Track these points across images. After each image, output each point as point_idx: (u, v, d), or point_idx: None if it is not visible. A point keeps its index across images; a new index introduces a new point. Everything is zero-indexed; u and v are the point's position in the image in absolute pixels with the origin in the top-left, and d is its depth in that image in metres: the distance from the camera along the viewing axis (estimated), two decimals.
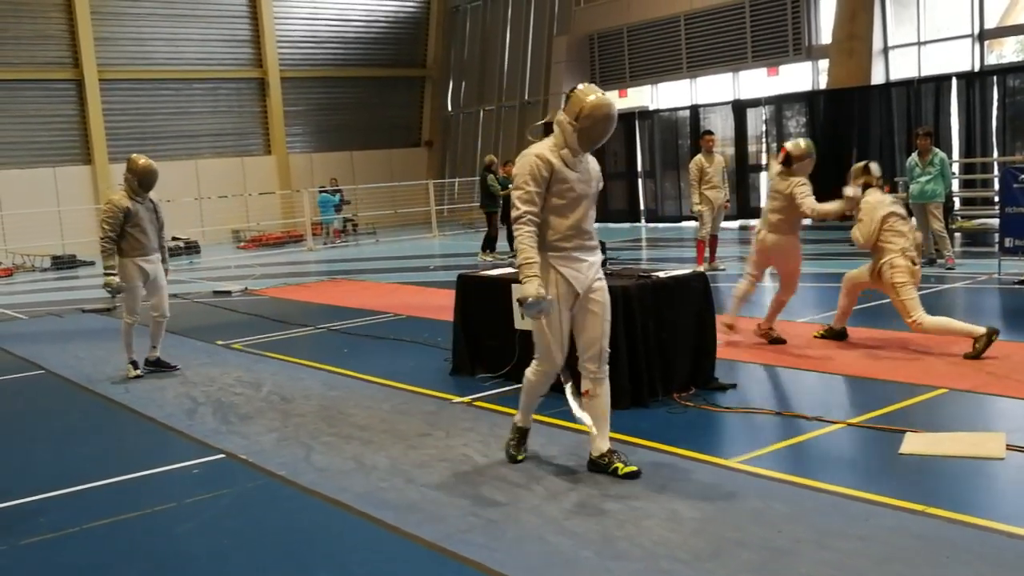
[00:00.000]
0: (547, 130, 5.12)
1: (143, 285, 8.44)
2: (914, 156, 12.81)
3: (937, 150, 12.79)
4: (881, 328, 8.47)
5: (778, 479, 4.88)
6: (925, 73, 19.07)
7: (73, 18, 25.39)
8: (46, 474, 5.90)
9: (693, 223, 13.85)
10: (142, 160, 8.38)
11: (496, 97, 29.75)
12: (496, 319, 7.33)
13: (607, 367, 5.14)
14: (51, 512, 5.19)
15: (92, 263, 22.64)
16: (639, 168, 23.97)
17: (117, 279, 8.24)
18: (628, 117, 24.04)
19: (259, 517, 4.95)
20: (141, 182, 8.33)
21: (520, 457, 5.40)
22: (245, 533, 4.73)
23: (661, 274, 6.84)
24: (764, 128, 21.19)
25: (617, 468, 5.02)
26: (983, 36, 18.75)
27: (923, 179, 12.48)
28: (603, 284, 5.13)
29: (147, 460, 6.03)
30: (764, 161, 21.37)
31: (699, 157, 13.52)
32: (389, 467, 5.50)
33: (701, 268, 11.31)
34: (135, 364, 8.51)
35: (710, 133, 13.98)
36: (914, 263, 7.64)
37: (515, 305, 5.41)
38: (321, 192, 25.65)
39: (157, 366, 8.71)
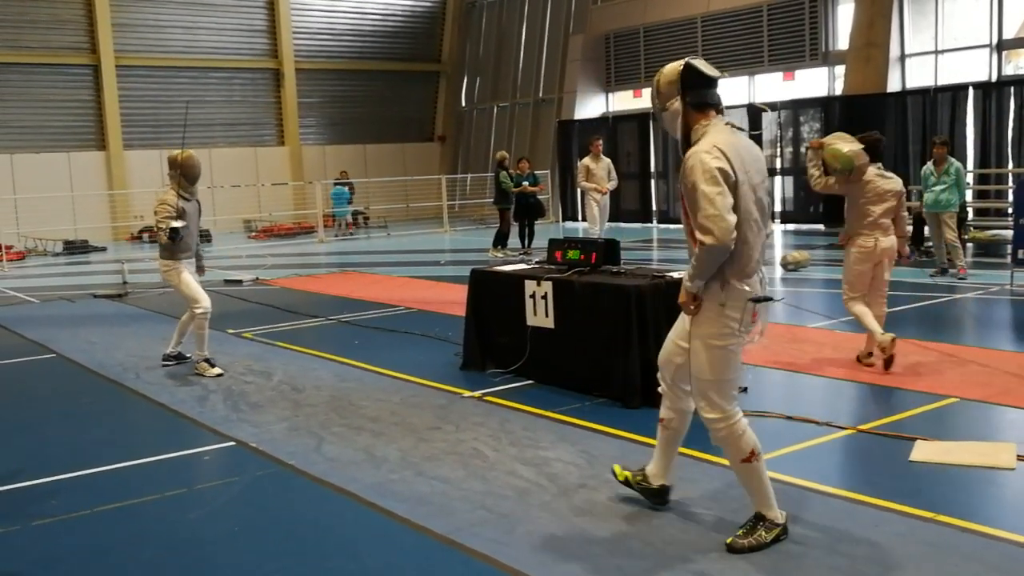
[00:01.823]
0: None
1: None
2: (929, 165, 12.75)
3: (952, 159, 12.73)
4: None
5: (788, 483, 4.88)
6: (942, 82, 19.01)
7: (91, 3, 25.45)
8: (57, 457, 5.93)
9: None
10: (181, 154, 8.03)
11: (510, 94, 29.74)
12: (508, 315, 7.35)
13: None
14: (62, 494, 5.23)
15: (104, 249, 22.74)
16: (652, 169, 23.94)
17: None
18: (642, 117, 24.03)
19: (269, 505, 4.97)
20: (186, 175, 7.98)
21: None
22: (255, 520, 4.76)
23: (675, 274, 6.84)
24: (779, 132, 21.15)
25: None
26: (1001, 46, 18.68)
27: (937, 188, 12.44)
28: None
29: (158, 446, 6.06)
30: (778, 165, 21.34)
31: None
32: (399, 459, 5.52)
33: None
34: (211, 362, 8.07)
35: None
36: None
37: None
38: (336, 184, 25.69)
39: (179, 359, 8.53)
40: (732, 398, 4.17)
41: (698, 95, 4.03)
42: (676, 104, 4.05)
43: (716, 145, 3.94)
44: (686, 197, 4.01)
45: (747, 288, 4.03)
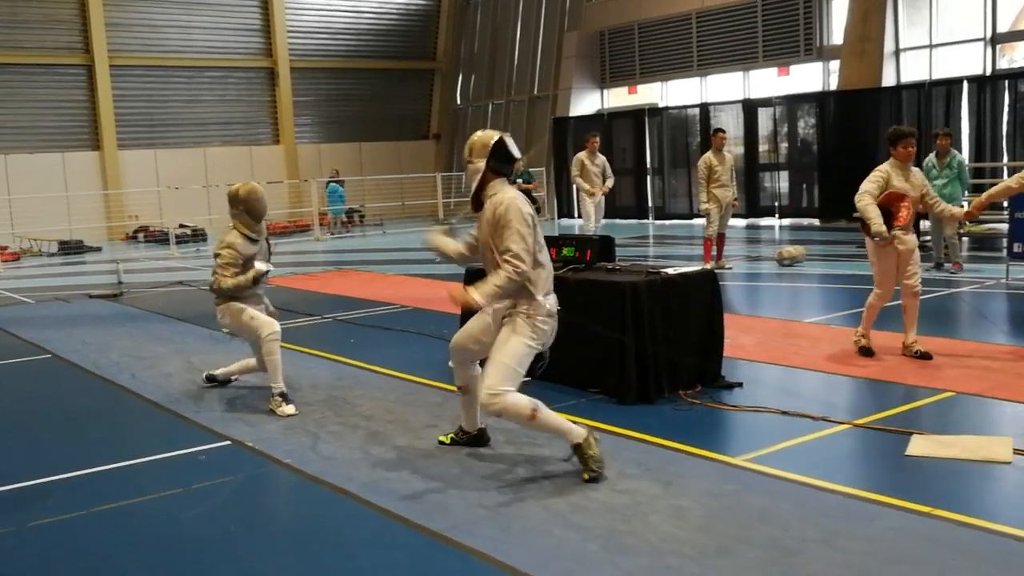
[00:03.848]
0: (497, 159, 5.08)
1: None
2: (932, 157, 12.62)
3: (955, 152, 12.62)
4: (887, 330, 8.46)
5: (784, 478, 4.88)
6: (936, 76, 19.03)
7: (85, 3, 25.40)
8: (53, 457, 5.92)
9: (702, 220, 13.84)
10: (242, 188, 6.98)
11: (505, 91, 29.73)
12: None
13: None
14: (58, 495, 5.21)
15: (99, 249, 22.71)
16: (648, 165, 23.92)
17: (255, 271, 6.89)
18: (637, 114, 24.03)
19: (265, 504, 4.97)
20: (251, 211, 6.92)
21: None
22: (252, 519, 4.75)
23: (670, 271, 6.84)
24: (774, 128, 21.15)
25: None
26: (995, 40, 18.70)
27: (939, 182, 12.31)
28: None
29: (153, 445, 6.05)
30: (775, 160, 21.35)
31: (708, 155, 13.45)
32: (395, 457, 5.51)
33: (709, 266, 11.31)
34: (287, 397, 6.79)
35: (722, 131, 13.87)
36: None
37: None
38: (331, 182, 25.66)
39: (220, 383, 7.60)
40: (513, 386, 4.92)
41: (499, 165, 5.03)
42: (481, 164, 5.02)
43: (516, 196, 4.97)
44: (496, 230, 4.90)
45: (549, 304, 5.02)
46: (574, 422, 5.08)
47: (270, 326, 6.86)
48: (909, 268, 7.43)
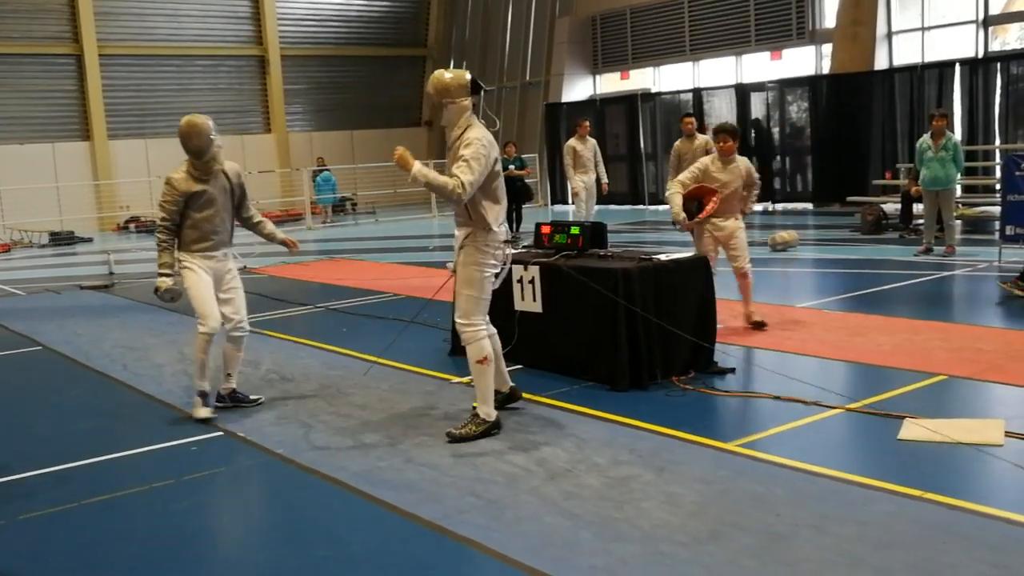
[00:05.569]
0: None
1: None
2: (926, 138, 12.28)
3: (951, 134, 12.41)
4: (880, 314, 8.47)
5: (777, 463, 4.88)
6: (929, 59, 19.00)
7: None
8: (44, 450, 5.89)
9: None
10: (181, 122, 6.47)
11: (497, 78, 29.61)
12: (496, 300, 7.28)
13: None
14: (49, 488, 5.19)
15: (90, 239, 22.62)
16: (641, 150, 23.86)
17: (171, 281, 6.19)
18: (630, 99, 23.96)
19: (257, 495, 4.95)
20: (187, 148, 6.47)
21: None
22: (243, 511, 4.74)
23: (663, 257, 6.82)
24: (767, 112, 21.11)
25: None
26: (987, 22, 18.68)
27: (934, 165, 12.14)
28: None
29: (145, 437, 6.03)
30: (768, 144, 21.28)
31: (677, 143, 12.93)
32: (388, 446, 5.49)
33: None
34: (205, 397, 6.21)
35: (688, 115, 13.25)
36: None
37: None
38: (322, 170, 25.56)
39: (235, 401, 6.50)
40: (482, 313, 5.57)
41: (477, 100, 5.49)
42: (466, 102, 5.42)
43: (487, 135, 5.41)
44: (457, 151, 5.34)
45: (500, 233, 5.53)
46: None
47: (206, 321, 6.10)
48: (731, 252, 8.11)
